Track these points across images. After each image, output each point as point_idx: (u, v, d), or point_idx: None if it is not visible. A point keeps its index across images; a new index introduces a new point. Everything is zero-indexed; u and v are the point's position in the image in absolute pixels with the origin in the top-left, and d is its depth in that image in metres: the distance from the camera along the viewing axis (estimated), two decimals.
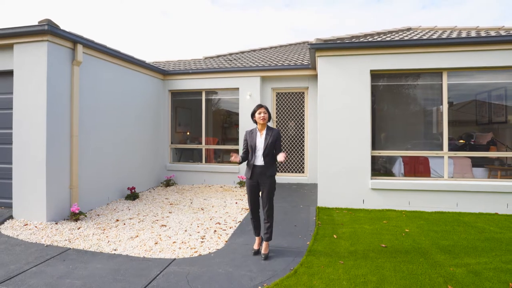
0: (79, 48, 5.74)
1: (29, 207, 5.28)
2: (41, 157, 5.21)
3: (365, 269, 3.50)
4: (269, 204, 3.88)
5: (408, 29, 8.55)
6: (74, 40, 5.65)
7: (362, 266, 3.56)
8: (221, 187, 8.46)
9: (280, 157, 3.70)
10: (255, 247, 4.02)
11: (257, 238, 4.06)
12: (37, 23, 5.21)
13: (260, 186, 3.90)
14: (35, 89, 5.26)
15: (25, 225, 5.08)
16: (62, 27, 5.44)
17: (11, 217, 5.36)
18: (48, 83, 5.24)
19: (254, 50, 11.82)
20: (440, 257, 3.80)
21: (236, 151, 8.76)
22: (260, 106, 3.93)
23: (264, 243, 3.92)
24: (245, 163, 4.07)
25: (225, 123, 9.60)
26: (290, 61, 8.77)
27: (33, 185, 5.26)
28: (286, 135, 8.76)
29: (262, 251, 3.88)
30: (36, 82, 5.26)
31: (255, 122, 3.97)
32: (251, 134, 3.97)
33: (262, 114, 3.88)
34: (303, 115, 8.64)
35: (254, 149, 3.88)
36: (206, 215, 5.77)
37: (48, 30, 5.10)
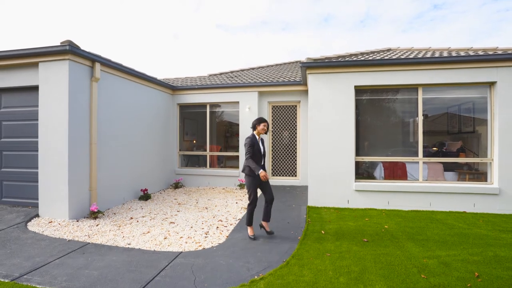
0: (97, 66, 5.83)
1: (53, 207, 5.34)
2: (64, 163, 5.28)
3: (348, 260, 3.56)
4: (272, 193, 4.39)
5: (388, 50, 8.69)
6: (93, 59, 5.73)
7: (346, 258, 3.63)
8: (223, 189, 8.52)
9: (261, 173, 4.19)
10: (253, 233, 4.43)
11: (251, 228, 4.45)
12: (59, 44, 5.29)
13: (263, 181, 4.31)
14: (58, 103, 5.34)
15: (49, 222, 5.14)
16: (83, 47, 5.53)
17: (37, 215, 5.42)
18: (70, 97, 5.32)
19: (253, 68, 11.95)
20: (414, 250, 3.87)
21: (237, 157, 8.85)
22: (265, 120, 4.38)
23: (267, 224, 4.49)
24: (244, 164, 4.37)
25: (227, 132, 9.69)
26: (284, 78, 8.90)
27: (56, 187, 5.32)
28: (280, 143, 8.86)
29: (268, 229, 4.48)
30: (58, 96, 5.33)
31: (254, 129, 4.35)
32: (255, 140, 4.30)
33: (266, 127, 4.36)
34: (296, 125, 8.75)
35: (263, 153, 4.38)
36: (210, 214, 5.83)
37: (69, 50, 5.19)
